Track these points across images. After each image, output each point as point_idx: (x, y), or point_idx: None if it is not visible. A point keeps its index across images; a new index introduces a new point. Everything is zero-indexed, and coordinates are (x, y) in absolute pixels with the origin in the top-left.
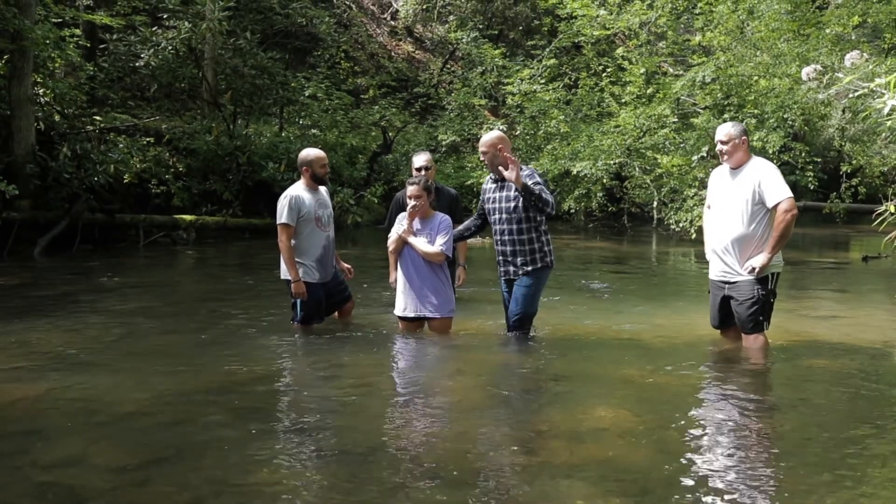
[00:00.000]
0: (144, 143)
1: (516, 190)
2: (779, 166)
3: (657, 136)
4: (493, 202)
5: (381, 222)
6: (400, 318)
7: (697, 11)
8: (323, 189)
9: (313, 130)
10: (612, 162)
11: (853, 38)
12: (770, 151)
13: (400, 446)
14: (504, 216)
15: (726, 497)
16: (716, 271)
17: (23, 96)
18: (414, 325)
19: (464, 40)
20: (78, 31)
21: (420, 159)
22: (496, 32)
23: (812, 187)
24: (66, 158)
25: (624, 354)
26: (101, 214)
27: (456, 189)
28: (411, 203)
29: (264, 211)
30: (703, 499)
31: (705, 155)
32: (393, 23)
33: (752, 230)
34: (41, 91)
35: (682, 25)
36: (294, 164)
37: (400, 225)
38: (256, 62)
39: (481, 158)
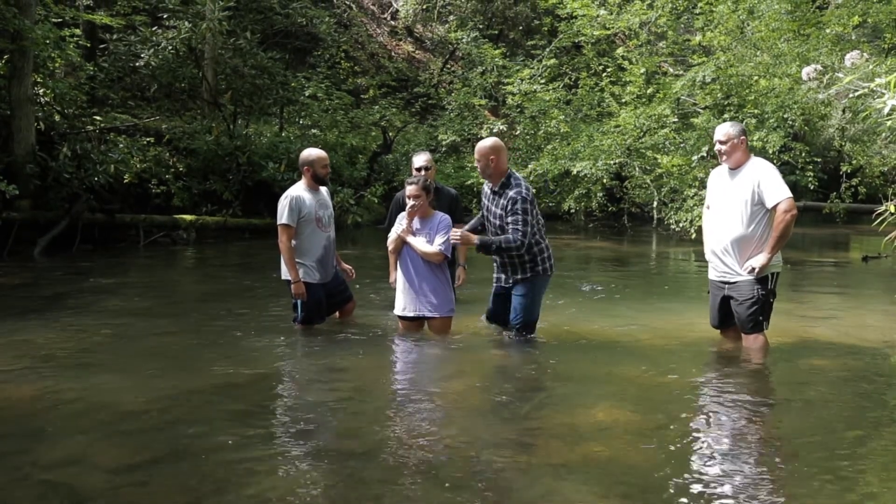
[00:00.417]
0: (144, 143)
1: (505, 201)
2: (779, 166)
3: (657, 136)
4: (488, 210)
5: (382, 222)
6: (399, 317)
7: (697, 11)
8: (324, 189)
9: (313, 130)
10: (612, 162)
11: (853, 38)
12: (770, 151)
13: (400, 446)
14: (497, 223)
15: (726, 497)
16: (715, 272)
17: (23, 96)
18: (413, 324)
19: (464, 40)
20: (78, 31)
21: (420, 159)
22: (496, 32)
23: (812, 187)
24: (66, 158)
25: (624, 354)
26: (101, 214)
27: (456, 189)
28: (410, 202)
29: (264, 211)
30: (704, 499)
31: (705, 155)
32: (393, 23)
33: (752, 231)
34: (41, 91)
35: (682, 25)
36: (294, 164)
37: (400, 225)
38: (256, 62)
39: (476, 165)
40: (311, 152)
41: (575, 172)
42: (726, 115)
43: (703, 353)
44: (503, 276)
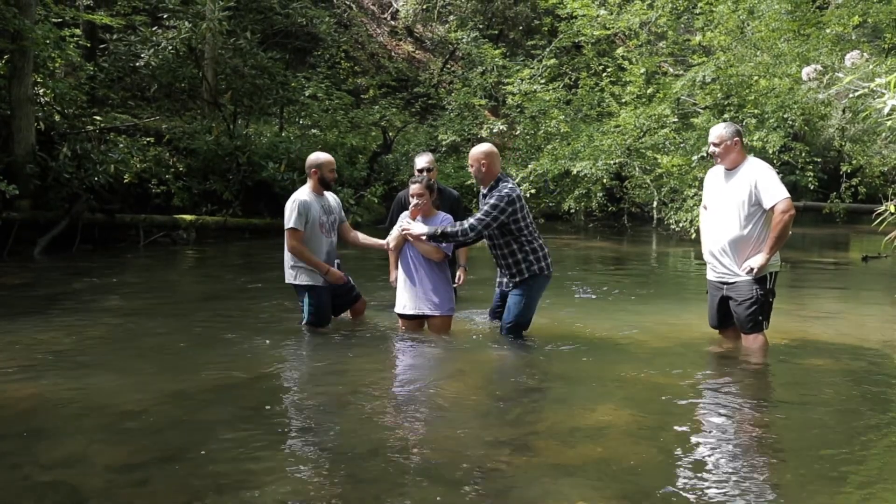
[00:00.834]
0: (144, 143)
1: (485, 205)
2: (779, 166)
3: (657, 136)
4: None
5: (382, 222)
6: (400, 315)
7: (697, 11)
8: (329, 195)
9: (313, 130)
10: (612, 162)
11: (853, 38)
12: (770, 151)
13: (400, 446)
14: None
15: (726, 497)
16: (714, 272)
17: (23, 96)
18: (414, 323)
19: (464, 40)
20: (78, 31)
21: (422, 161)
22: (496, 32)
23: (812, 187)
24: (66, 158)
25: (624, 354)
26: (101, 214)
27: (456, 189)
28: (414, 201)
29: (264, 211)
30: (704, 499)
31: (705, 155)
32: (393, 23)
33: (749, 231)
34: (41, 91)
35: (682, 25)
36: (294, 164)
37: (402, 224)
38: (256, 62)
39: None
40: (319, 156)
41: (575, 172)
42: (726, 115)
43: (703, 353)
44: (503, 281)
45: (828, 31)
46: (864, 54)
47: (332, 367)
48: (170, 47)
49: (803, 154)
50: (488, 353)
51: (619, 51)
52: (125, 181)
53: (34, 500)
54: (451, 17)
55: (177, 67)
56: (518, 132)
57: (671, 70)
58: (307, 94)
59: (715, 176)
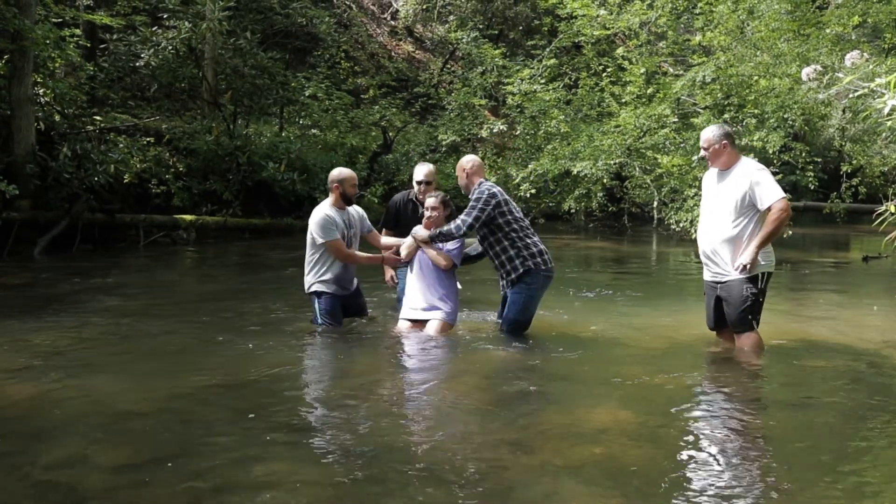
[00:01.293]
0: (144, 143)
1: (469, 205)
2: (779, 166)
3: (657, 136)
4: None
5: (381, 222)
6: (403, 319)
7: (697, 11)
8: (352, 208)
9: (313, 130)
10: (612, 162)
11: (853, 38)
12: (770, 151)
13: (400, 446)
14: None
15: (727, 497)
16: (709, 272)
17: (23, 96)
18: (416, 325)
19: (464, 40)
20: (78, 31)
21: (420, 172)
22: (496, 32)
23: (812, 187)
24: (66, 158)
25: (624, 354)
26: (101, 214)
27: (456, 189)
28: (428, 213)
29: (264, 211)
30: (704, 499)
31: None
32: (393, 23)
33: (741, 231)
34: (41, 91)
35: (682, 25)
36: (294, 164)
37: (414, 236)
38: (256, 62)
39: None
40: (343, 171)
41: (575, 172)
42: (726, 115)
43: (703, 353)
44: (503, 284)
45: (828, 31)
46: (864, 54)
47: (332, 367)
48: (170, 47)
49: (803, 154)
50: (488, 353)
51: (619, 51)
52: (125, 181)
53: (34, 500)
54: (451, 17)
55: (177, 67)
56: (518, 132)
57: (671, 70)
58: (307, 94)
59: (710, 177)
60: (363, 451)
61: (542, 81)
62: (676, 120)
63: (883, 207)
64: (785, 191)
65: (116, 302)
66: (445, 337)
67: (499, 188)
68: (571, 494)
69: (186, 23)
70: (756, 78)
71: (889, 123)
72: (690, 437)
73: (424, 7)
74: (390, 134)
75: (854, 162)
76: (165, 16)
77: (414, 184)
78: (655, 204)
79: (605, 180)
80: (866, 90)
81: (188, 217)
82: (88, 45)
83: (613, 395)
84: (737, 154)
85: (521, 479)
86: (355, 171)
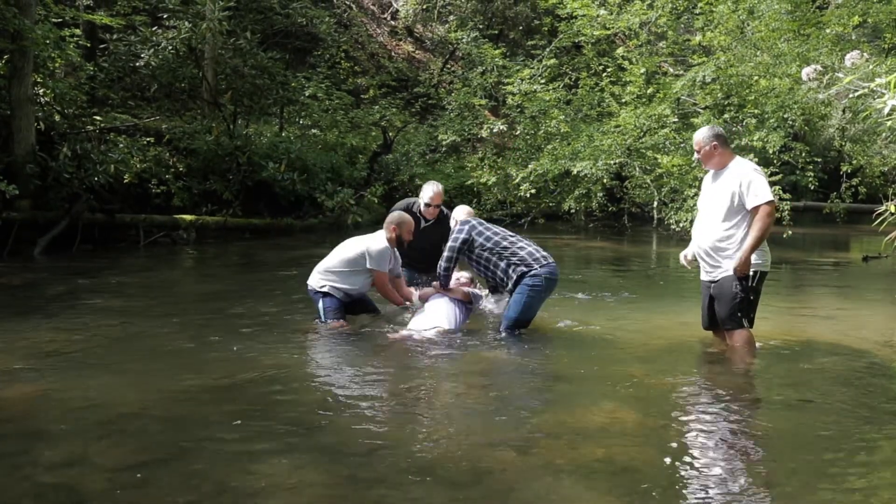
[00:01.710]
0: (144, 143)
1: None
2: (779, 166)
3: (657, 136)
4: None
5: (382, 222)
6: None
7: (697, 11)
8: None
9: (313, 130)
10: (612, 162)
11: (853, 38)
12: (770, 151)
13: (400, 446)
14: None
15: (727, 497)
16: (703, 272)
17: (23, 96)
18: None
19: (464, 40)
20: (78, 31)
21: (427, 193)
22: (496, 32)
23: (812, 187)
24: (66, 158)
25: (624, 354)
26: (101, 214)
27: (456, 188)
28: (463, 281)
29: (264, 211)
30: (704, 499)
31: None
32: (393, 23)
33: (732, 231)
34: (41, 91)
35: (682, 25)
36: (294, 164)
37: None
38: (256, 62)
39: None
40: (403, 216)
41: (575, 172)
42: (726, 115)
43: (703, 353)
44: (506, 293)
45: (828, 31)
46: (864, 54)
47: (332, 367)
48: (170, 47)
49: (803, 154)
50: (488, 353)
51: (619, 51)
52: (125, 181)
53: (34, 501)
54: (451, 17)
55: (177, 67)
56: (518, 132)
57: (671, 70)
58: (307, 94)
59: (708, 177)
60: (363, 451)
61: (542, 81)
62: (676, 120)
63: (883, 207)
64: (785, 191)
65: (116, 302)
66: (446, 337)
67: (471, 223)
68: (571, 494)
69: (186, 23)
70: (756, 78)
71: (889, 123)
72: (690, 437)
73: (424, 7)
74: (390, 134)
75: (854, 162)
76: (165, 16)
77: (421, 202)
78: (655, 204)
79: (605, 180)
80: (866, 90)
81: (188, 217)
82: (88, 45)
83: (613, 395)
84: (730, 154)
85: (521, 479)
86: (355, 171)
